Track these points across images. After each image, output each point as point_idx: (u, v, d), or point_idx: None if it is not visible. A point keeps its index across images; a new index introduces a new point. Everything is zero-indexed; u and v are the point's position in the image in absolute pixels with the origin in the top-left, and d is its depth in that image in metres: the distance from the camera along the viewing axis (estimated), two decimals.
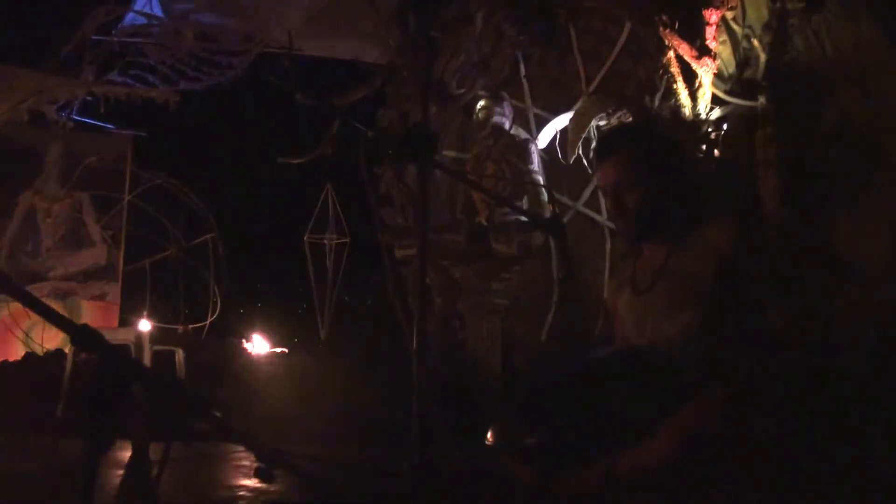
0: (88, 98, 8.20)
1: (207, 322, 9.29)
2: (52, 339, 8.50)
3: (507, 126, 6.09)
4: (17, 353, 8.28)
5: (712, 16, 5.15)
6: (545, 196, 5.81)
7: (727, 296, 2.26)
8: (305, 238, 8.55)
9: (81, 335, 1.61)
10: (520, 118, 6.28)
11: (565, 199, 5.92)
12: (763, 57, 5.06)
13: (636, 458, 2.13)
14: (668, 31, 5.25)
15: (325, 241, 8.67)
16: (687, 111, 5.18)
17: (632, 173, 2.44)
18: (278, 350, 7.99)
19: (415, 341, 2.57)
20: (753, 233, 2.42)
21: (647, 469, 2.10)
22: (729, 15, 5.23)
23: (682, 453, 2.05)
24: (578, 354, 2.76)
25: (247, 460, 4.51)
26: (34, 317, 8.53)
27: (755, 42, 5.12)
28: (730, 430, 2.04)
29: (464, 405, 4.80)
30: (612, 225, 5.91)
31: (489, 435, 2.46)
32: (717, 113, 5.16)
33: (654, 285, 2.41)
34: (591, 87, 6.03)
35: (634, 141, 2.53)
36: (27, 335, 8.84)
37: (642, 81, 5.70)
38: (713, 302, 2.28)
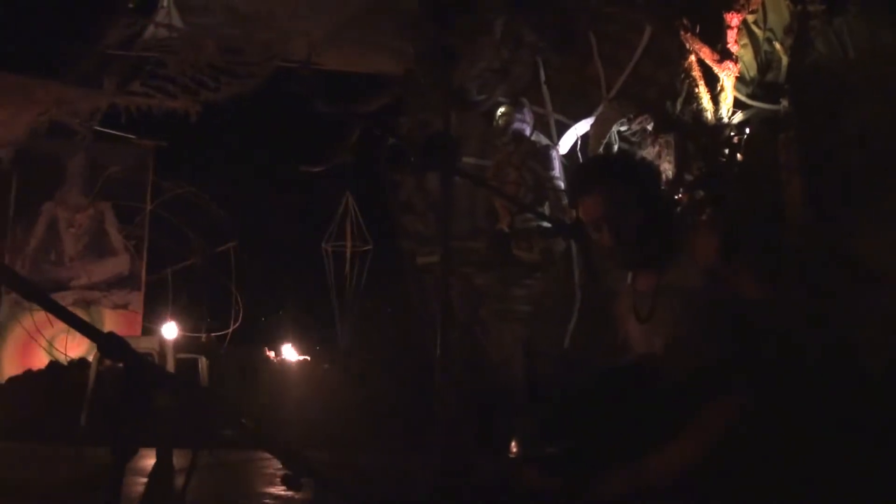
0: (110, 109, 8.24)
1: (230, 330, 9.32)
2: (75, 348, 8.55)
3: (527, 132, 6.09)
4: (40, 361, 8.33)
5: (733, 19, 5.13)
6: (567, 202, 5.80)
7: (724, 301, 2.27)
8: (323, 246, 8.58)
9: (108, 343, 1.61)
10: (540, 124, 6.28)
11: None
12: (785, 60, 5.04)
13: (659, 465, 2.12)
14: (689, 34, 5.23)
15: (345, 249, 8.69)
16: (709, 115, 5.16)
17: (617, 205, 2.45)
18: (300, 358, 8.00)
19: (438, 349, 2.57)
20: (737, 236, 2.42)
21: (670, 475, 2.10)
22: (750, 18, 5.21)
23: (704, 459, 2.04)
24: (601, 363, 2.76)
25: (271, 468, 4.51)
26: (57, 325, 8.68)
27: (777, 45, 5.10)
28: (746, 437, 2.04)
29: (486, 413, 4.79)
30: None
31: (512, 445, 2.46)
32: (739, 117, 5.14)
33: (653, 311, 2.43)
34: (612, 93, 6.02)
35: (615, 172, 2.54)
36: (50, 344, 8.90)
37: (663, 86, 5.68)
38: (712, 310, 2.28)
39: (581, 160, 6.10)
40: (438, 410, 2.48)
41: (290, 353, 8.13)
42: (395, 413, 5.68)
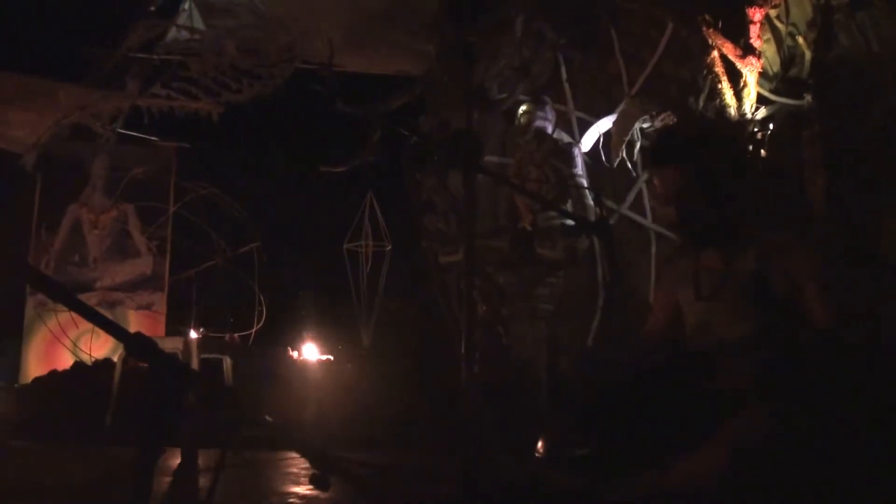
0: (132, 111, 8.29)
1: (253, 330, 9.36)
2: (99, 348, 8.61)
3: (549, 130, 6.07)
4: (65, 362, 8.39)
5: (756, 14, 5.09)
6: (589, 200, 5.78)
7: (785, 301, 2.23)
8: (345, 246, 8.59)
9: (136, 343, 1.62)
10: (562, 122, 6.26)
11: (609, 203, 5.88)
12: (808, 54, 5.00)
13: (687, 470, 2.09)
14: (711, 30, 5.21)
15: (366, 249, 8.71)
16: (732, 111, 5.12)
17: (694, 179, 2.37)
18: (323, 358, 8.01)
19: (462, 347, 2.57)
20: (808, 235, 2.37)
21: (698, 481, 2.06)
22: (773, 13, 5.17)
23: (733, 466, 2.01)
24: (627, 361, 2.72)
25: (295, 467, 4.52)
26: (82, 326, 8.76)
27: (800, 39, 5.06)
28: (776, 445, 2.00)
29: (510, 412, 4.78)
30: (658, 228, 5.87)
31: (539, 445, 2.44)
32: (762, 113, 5.11)
33: (717, 291, 2.36)
34: (634, 90, 5.99)
35: (696, 147, 2.46)
36: (75, 344, 8.96)
37: (686, 82, 5.65)
38: (773, 308, 2.23)
39: (603, 158, 6.07)
40: (463, 410, 2.47)
41: (312, 352, 8.15)
42: (419, 412, 5.68)
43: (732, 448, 2.04)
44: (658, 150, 2.57)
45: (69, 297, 1.71)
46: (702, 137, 2.59)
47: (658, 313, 2.60)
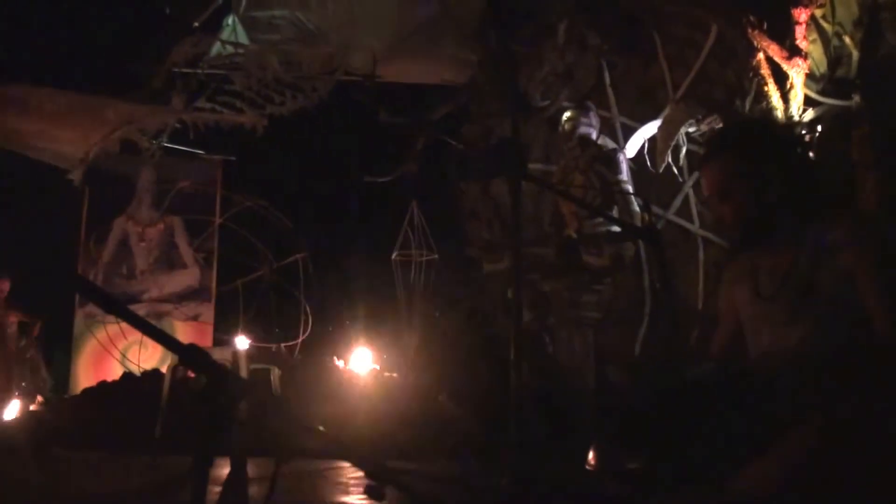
0: (178, 125, 8.42)
1: (299, 340, 9.42)
2: (148, 359, 8.72)
3: (593, 136, 6.03)
4: (114, 373, 8.50)
5: (801, 14, 5.02)
6: (635, 206, 5.73)
7: (844, 303, 2.16)
8: (394, 256, 8.61)
9: (189, 354, 1.63)
10: (606, 128, 6.22)
11: (656, 209, 5.83)
12: (855, 54, 4.92)
13: (742, 485, 2.05)
14: (756, 32, 5.14)
15: (413, 259, 8.72)
16: (779, 114, 5.05)
17: (740, 174, 2.31)
18: (369, 367, 8.03)
19: (511, 355, 2.55)
20: (871, 235, 2.28)
21: (752, 496, 2.02)
22: (818, 13, 5.10)
23: (789, 481, 1.96)
24: (677, 371, 2.67)
25: (345, 477, 4.52)
26: (130, 337, 8.88)
27: (846, 39, 4.99)
28: (833, 459, 1.95)
29: (558, 422, 4.75)
30: (705, 233, 5.81)
31: (589, 457, 2.40)
32: (810, 114, 5.03)
33: (777, 291, 2.29)
34: (679, 94, 5.94)
35: (743, 137, 2.39)
36: (124, 355, 9.09)
37: (731, 85, 5.59)
38: (831, 311, 2.17)
39: (648, 164, 6.03)
40: (513, 418, 2.45)
41: (358, 362, 8.16)
42: (467, 422, 5.66)
43: (788, 462, 1.98)
44: (706, 148, 2.52)
45: (123, 309, 1.72)
46: (746, 131, 2.52)
47: (724, 320, 2.53)
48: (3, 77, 7.37)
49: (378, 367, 8.13)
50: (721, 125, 5.49)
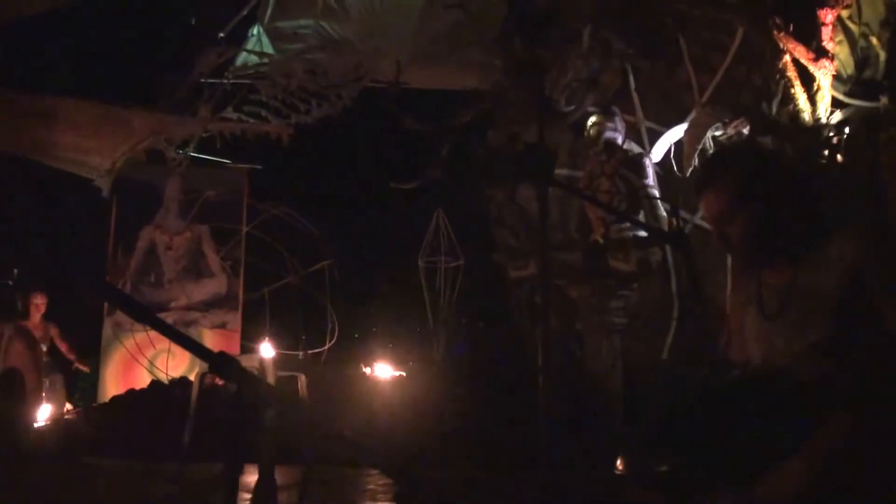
0: (204, 135, 8.50)
1: (326, 347, 9.43)
2: (175, 367, 8.76)
3: (619, 141, 6.01)
4: (142, 381, 8.55)
5: (827, 15, 4.99)
6: (662, 211, 5.70)
7: (854, 309, 2.15)
8: (420, 262, 8.62)
9: (220, 363, 1.63)
10: (631, 132, 6.19)
11: (682, 213, 5.78)
12: (882, 55, 4.89)
13: (770, 487, 2.04)
14: (782, 33, 5.11)
15: (437, 265, 8.72)
16: (806, 116, 5.01)
17: (737, 199, 2.32)
18: (396, 374, 8.02)
19: (539, 361, 2.54)
20: (882, 241, 2.27)
21: (781, 498, 2.01)
22: (844, 13, 5.07)
23: (816, 482, 1.95)
24: (705, 376, 2.65)
25: (373, 484, 4.51)
26: (158, 345, 8.93)
27: (873, 40, 4.95)
28: (859, 458, 1.94)
29: (586, 428, 4.72)
30: None
31: (618, 462, 2.39)
32: (837, 116, 4.99)
33: (782, 309, 2.30)
34: (705, 97, 5.89)
35: (735, 165, 2.41)
36: (151, 363, 9.14)
37: (758, 88, 5.54)
38: (840, 318, 2.16)
39: (675, 168, 5.99)
40: (541, 424, 2.44)
41: (384, 368, 8.17)
42: (494, 428, 5.64)
43: (815, 463, 1.98)
44: (699, 176, 2.54)
45: (154, 318, 1.73)
46: (741, 154, 2.55)
47: (733, 336, 2.54)
48: (31, 88, 7.47)
49: (404, 374, 8.12)
50: (748, 128, 5.45)
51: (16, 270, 7.57)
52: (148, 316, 1.71)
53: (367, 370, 8.15)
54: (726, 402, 2.22)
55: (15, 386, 6.86)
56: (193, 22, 8.76)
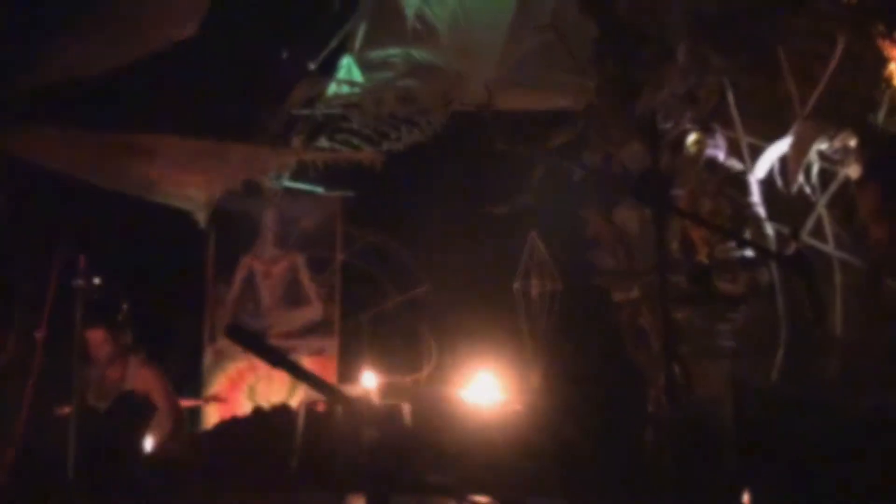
0: (298, 165, 8.67)
1: (424, 373, 9.41)
2: (275, 394, 8.89)
3: (721, 158, 5.87)
4: (243, 408, 8.67)
5: None
6: (768, 230, 5.54)
7: None
8: (515, 286, 8.57)
9: (337, 397, 1.63)
10: (731, 149, 6.04)
11: (784, 230, 5.62)
12: None
13: None
14: (886, 41, 4.94)
15: (534, 289, 8.65)
16: None
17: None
18: (495, 399, 7.96)
19: (663, 383, 2.47)
20: None
21: None
22: None
23: None
24: (831, 407, 2.55)
25: None
26: (259, 371, 9.08)
27: None
28: None
29: (696, 456, 4.58)
30: (842, 255, 5.56)
31: (744, 499, 2.31)
32: None
33: None
34: (807, 110, 5.71)
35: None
36: (251, 390, 9.29)
37: (863, 98, 5.36)
38: None
39: (780, 184, 5.83)
40: (668, 453, 2.37)
41: (483, 394, 8.10)
42: (594, 458, 5.55)
43: None
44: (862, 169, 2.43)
45: (270, 349, 1.73)
46: None
47: None
48: (129, 127, 7.71)
49: (503, 399, 8.05)
50: (854, 140, 5.27)
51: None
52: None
53: (466, 395, 8.10)
54: (858, 434, 2.12)
55: (142, 412, 6.74)
56: (285, 55, 8.94)
